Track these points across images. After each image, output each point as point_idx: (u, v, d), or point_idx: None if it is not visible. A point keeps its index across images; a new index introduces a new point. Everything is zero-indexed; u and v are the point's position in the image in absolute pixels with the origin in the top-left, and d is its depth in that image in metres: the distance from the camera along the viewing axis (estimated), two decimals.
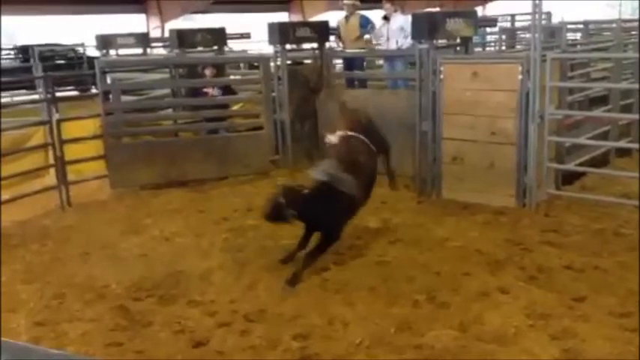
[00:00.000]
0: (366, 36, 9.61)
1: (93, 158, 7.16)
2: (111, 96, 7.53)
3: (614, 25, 11.45)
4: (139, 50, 13.71)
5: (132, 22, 22.59)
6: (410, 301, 4.22)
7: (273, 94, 8.02)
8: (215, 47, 9.52)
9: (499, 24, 15.10)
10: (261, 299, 4.38)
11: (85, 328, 4.06)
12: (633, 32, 10.07)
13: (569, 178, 6.38)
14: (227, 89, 8.15)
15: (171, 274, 4.83)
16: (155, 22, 24.05)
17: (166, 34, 15.74)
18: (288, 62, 8.29)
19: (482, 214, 5.85)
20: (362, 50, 9.61)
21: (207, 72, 7.94)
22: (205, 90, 8.00)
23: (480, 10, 13.01)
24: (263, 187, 7.21)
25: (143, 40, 14.22)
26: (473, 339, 3.73)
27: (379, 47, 9.41)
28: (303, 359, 3.66)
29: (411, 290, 4.35)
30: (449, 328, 3.85)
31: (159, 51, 15.65)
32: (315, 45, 8.36)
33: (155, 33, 21.54)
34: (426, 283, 4.43)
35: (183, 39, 9.27)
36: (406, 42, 8.58)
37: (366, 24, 9.52)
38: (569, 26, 11.45)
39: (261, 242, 5.47)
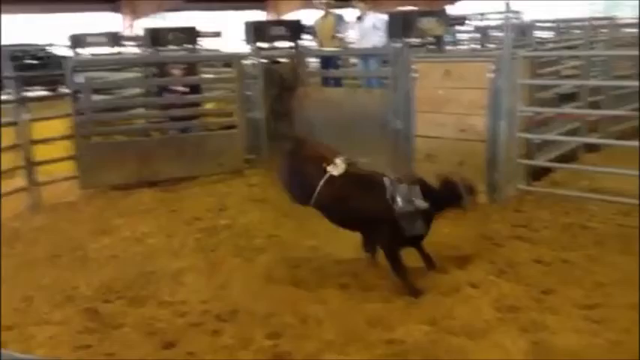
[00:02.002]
0: (340, 35, 9.63)
1: (63, 159, 7.05)
2: (81, 95, 7.44)
3: (584, 24, 11.65)
4: (111, 49, 13.57)
5: (103, 21, 22.33)
6: (382, 297, 4.23)
7: (248, 92, 8.00)
8: (188, 46, 9.47)
9: (470, 22, 15.24)
10: (234, 299, 4.35)
11: (53, 331, 3.99)
12: (602, 30, 10.25)
13: (538, 174, 6.47)
14: (195, 88, 8.10)
15: (142, 275, 4.78)
16: (127, 20, 23.81)
17: (138, 33, 15.62)
18: (264, 61, 8.27)
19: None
20: (337, 49, 9.63)
21: (176, 71, 7.88)
22: (174, 88, 7.94)
23: (449, 9, 13.12)
24: (236, 187, 7.21)
25: (114, 39, 14.09)
26: (444, 333, 3.75)
27: (353, 46, 9.44)
28: (276, 358, 3.64)
29: (382, 286, 4.37)
30: (420, 323, 3.87)
31: (131, 50, 15.47)
32: (289, 43, 8.36)
33: (127, 32, 21.32)
34: (397, 279, 4.45)
35: (156, 38, 9.21)
36: (380, 41, 8.62)
37: (341, 23, 9.55)
38: (539, 24, 11.60)
39: (234, 242, 5.45)
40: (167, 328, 4.00)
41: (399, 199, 4.28)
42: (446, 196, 4.44)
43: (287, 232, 5.61)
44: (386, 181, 4.36)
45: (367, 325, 3.89)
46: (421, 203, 4.30)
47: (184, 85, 7.94)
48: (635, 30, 11.40)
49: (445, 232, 5.07)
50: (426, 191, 4.39)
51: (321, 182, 4.36)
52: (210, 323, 4.04)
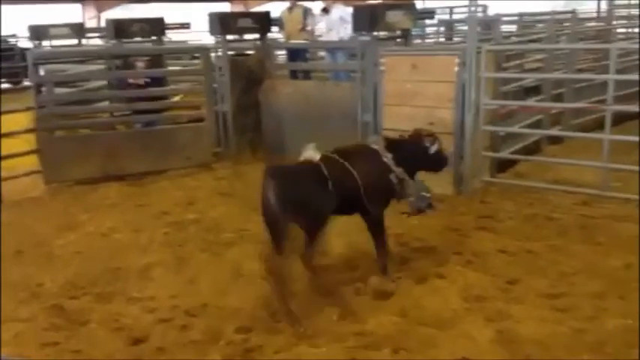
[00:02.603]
0: (308, 27, 9.62)
1: (26, 153, 6.91)
2: (44, 88, 7.29)
3: (547, 18, 11.84)
4: (74, 41, 13.30)
5: (67, 12, 21.83)
6: (352, 289, 4.26)
7: (215, 85, 7.93)
8: (153, 38, 9.33)
9: (437, 16, 15.35)
10: (203, 293, 4.33)
11: (18, 329, 3.91)
12: (565, 24, 10.45)
13: (503, 166, 6.59)
14: (159, 80, 8.01)
15: (109, 270, 4.72)
16: (91, 11, 23.33)
17: (103, 24, 15.32)
18: (231, 53, 8.20)
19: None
20: (304, 42, 9.61)
21: (139, 63, 7.77)
22: (131, 81, 7.84)
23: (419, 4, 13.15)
24: (205, 180, 7.16)
25: (78, 30, 13.80)
26: (413, 324, 3.80)
27: (320, 39, 9.44)
28: (246, 352, 3.64)
29: (352, 278, 4.40)
30: (390, 314, 3.91)
31: (95, 42, 15.19)
32: (256, 36, 8.30)
33: (91, 23, 20.90)
34: (367, 270, 4.49)
35: (120, 29, 9.04)
36: (347, 33, 8.63)
37: (308, 16, 9.53)
38: (504, 18, 11.76)
39: (203, 236, 5.42)
40: (135, 324, 3.97)
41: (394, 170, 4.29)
42: (413, 148, 4.46)
43: (256, 226, 5.57)
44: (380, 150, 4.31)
45: (337, 317, 3.91)
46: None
47: (147, 78, 7.84)
48: (596, 24, 11.68)
49: (413, 224, 5.13)
50: (395, 146, 4.39)
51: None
52: (179, 318, 4.01)
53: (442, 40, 13.63)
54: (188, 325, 3.92)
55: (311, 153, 4.18)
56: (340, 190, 4.06)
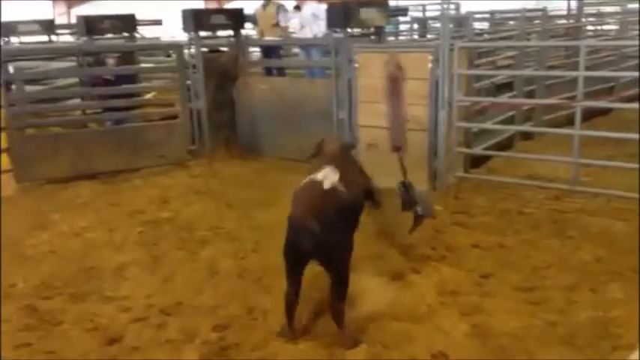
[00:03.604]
0: (282, 24, 9.61)
1: None
2: (13, 86, 7.16)
3: (518, 15, 11.99)
4: (44, 38, 13.07)
5: (36, 8, 21.44)
6: (327, 285, 4.27)
7: (188, 82, 7.87)
8: (125, 34, 9.22)
9: (410, 14, 15.43)
10: (178, 292, 4.31)
11: None
12: (536, 22, 10.59)
13: (476, 162, 6.66)
14: (131, 77, 7.93)
15: (83, 270, 4.67)
16: (61, 7, 22.96)
17: (73, 21, 15.09)
18: (204, 50, 8.15)
19: (397, 198, 5.99)
20: (278, 38, 9.60)
21: (110, 61, 7.68)
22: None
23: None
24: (179, 178, 7.11)
25: (48, 27, 13.56)
26: (389, 319, 3.83)
27: (294, 36, 9.44)
28: (222, 350, 3.64)
29: (326, 275, 4.40)
30: (366, 310, 3.92)
31: (65, 38, 14.93)
32: (230, 32, 8.26)
33: (61, 20, 20.56)
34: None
35: (91, 26, 8.91)
36: (320, 30, 8.64)
37: (282, 12, 9.52)
38: (476, 16, 11.87)
39: (178, 235, 5.38)
40: (110, 323, 3.93)
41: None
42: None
43: (231, 224, 5.58)
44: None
45: (313, 314, 3.92)
46: None
47: (115, 75, 7.76)
48: (566, 21, 11.86)
49: (387, 219, 5.17)
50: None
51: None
52: (154, 317, 3.99)
53: (415, 37, 13.70)
54: (163, 324, 3.90)
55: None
56: None
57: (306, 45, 9.02)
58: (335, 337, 3.63)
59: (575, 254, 4.63)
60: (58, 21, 18.80)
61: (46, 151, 6.89)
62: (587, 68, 6.50)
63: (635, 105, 6.26)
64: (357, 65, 6.61)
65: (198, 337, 3.75)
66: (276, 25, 9.52)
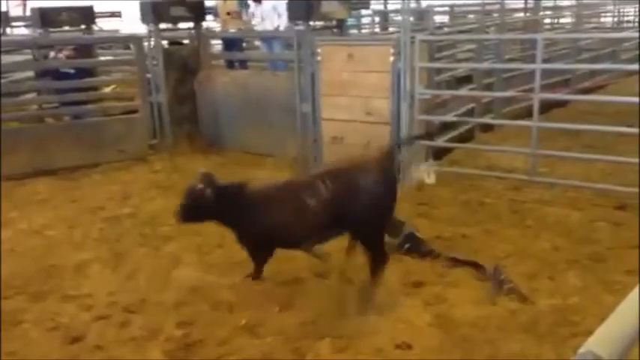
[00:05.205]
0: (245, 17, 9.55)
1: None
2: None
3: (477, 9, 12.18)
4: None
5: None
6: (292, 280, 4.29)
7: (148, 75, 7.75)
8: (83, 27, 9.00)
9: (372, 6, 15.50)
10: (142, 289, 4.25)
11: None
12: (494, 15, 10.77)
13: (438, 154, 6.75)
14: (88, 71, 7.77)
15: (43, 268, 4.57)
16: None
17: (28, 13, 14.64)
18: (164, 42, 8.02)
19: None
20: (240, 31, 9.52)
21: (65, 52, 7.51)
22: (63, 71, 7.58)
23: None
24: (140, 173, 7.01)
25: (2, 19, 13.16)
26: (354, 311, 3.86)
27: (255, 28, 9.39)
28: (187, 346, 3.60)
29: (294, 268, 4.42)
30: (331, 303, 3.94)
31: (20, 31, 14.52)
32: (191, 24, 8.15)
33: (16, 11, 19.91)
34: (307, 261, 4.51)
35: (47, 18, 8.67)
36: (281, 23, 8.61)
37: (242, 4, 9.46)
38: (436, 9, 12.00)
39: (140, 231, 5.31)
40: (71, 322, 3.86)
41: None
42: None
43: None
44: None
45: (279, 309, 3.92)
46: None
47: (72, 69, 7.59)
48: (523, 15, 12.09)
49: None
50: None
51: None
52: (117, 315, 3.93)
53: (377, 30, 13.77)
54: (127, 322, 3.84)
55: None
56: None
57: (268, 38, 8.98)
58: (302, 331, 3.64)
59: (534, 243, 4.75)
60: (13, 13, 18.22)
61: (2, 147, 6.71)
62: (545, 61, 6.64)
63: (590, 97, 6.43)
64: (319, 58, 6.61)
65: (162, 334, 3.70)
66: (234, 15, 9.44)
